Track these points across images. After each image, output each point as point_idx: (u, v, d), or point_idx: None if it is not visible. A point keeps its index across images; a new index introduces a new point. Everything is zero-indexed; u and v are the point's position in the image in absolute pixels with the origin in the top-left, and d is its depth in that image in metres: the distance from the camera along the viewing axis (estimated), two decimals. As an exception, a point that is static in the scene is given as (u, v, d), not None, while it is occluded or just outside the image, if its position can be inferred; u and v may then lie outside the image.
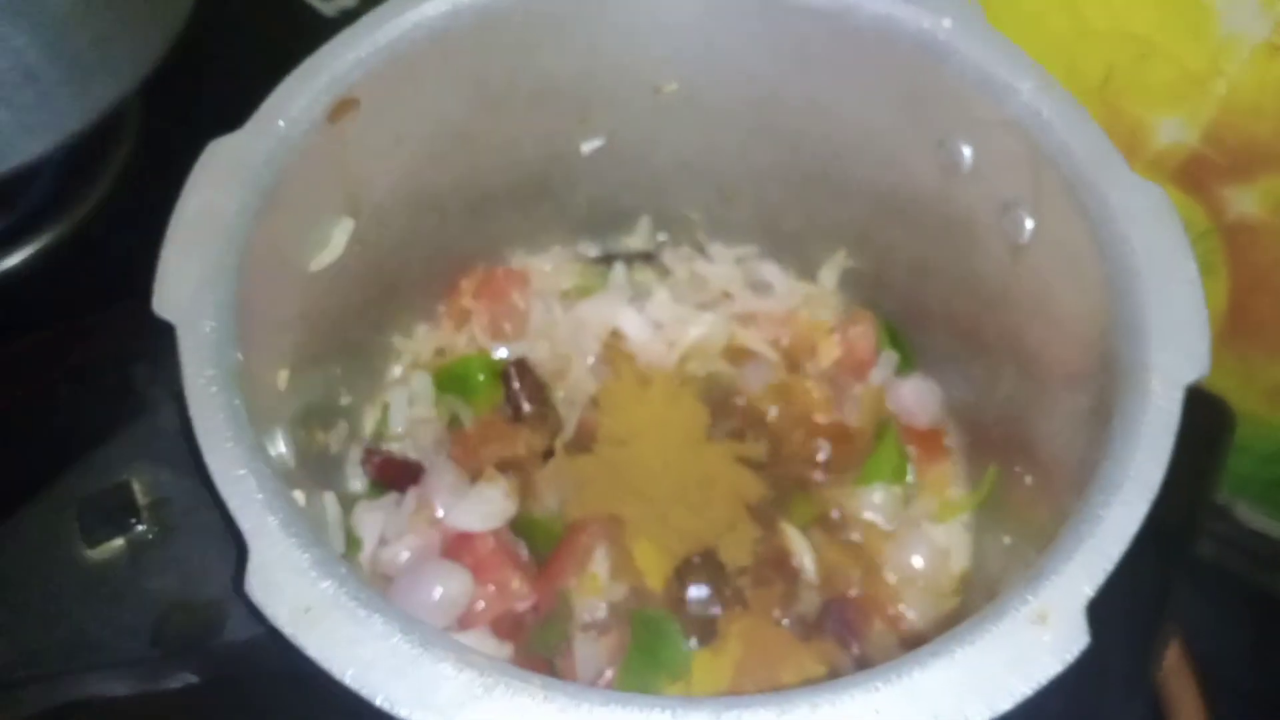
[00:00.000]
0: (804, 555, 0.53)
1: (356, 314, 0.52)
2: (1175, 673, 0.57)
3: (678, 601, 0.51)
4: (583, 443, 0.56)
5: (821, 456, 0.56)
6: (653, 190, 0.60)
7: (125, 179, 0.68)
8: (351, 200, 0.49)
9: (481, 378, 0.57)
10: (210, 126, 0.43)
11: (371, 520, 0.51)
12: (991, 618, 0.32)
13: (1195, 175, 0.62)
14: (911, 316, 0.58)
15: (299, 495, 0.40)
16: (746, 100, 0.54)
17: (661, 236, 0.62)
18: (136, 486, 0.41)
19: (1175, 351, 0.38)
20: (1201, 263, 0.40)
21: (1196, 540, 0.58)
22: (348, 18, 0.47)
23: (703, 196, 0.60)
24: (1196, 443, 0.38)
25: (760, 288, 0.61)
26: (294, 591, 0.33)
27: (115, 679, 0.40)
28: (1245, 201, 0.62)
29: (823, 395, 0.58)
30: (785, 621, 0.51)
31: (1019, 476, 0.49)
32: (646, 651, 0.50)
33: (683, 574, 0.51)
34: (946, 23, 0.47)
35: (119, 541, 0.40)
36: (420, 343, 0.59)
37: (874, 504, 0.55)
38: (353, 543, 0.51)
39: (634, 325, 0.59)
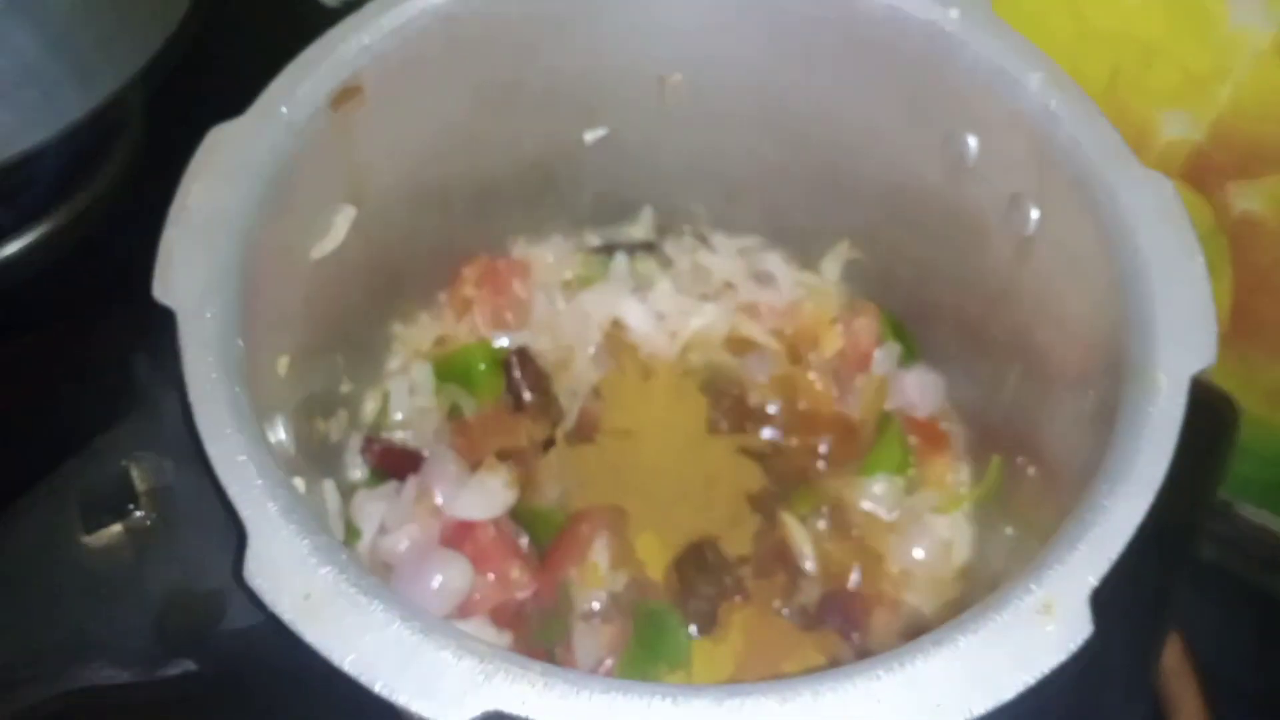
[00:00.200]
0: (805, 546, 0.53)
1: (358, 302, 0.52)
2: (1177, 674, 0.57)
3: (678, 592, 0.51)
4: (584, 433, 0.56)
5: (823, 448, 0.56)
6: (657, 186, 0.60)
7: (127, 176, 0.67)
8: (354, 188, 0.48)
9: (483, 367, 0.57)
10: (213, 123, 0.42)
11: (371, 509, 0.51)
12: (995, 607, 0.32)
13: (1200, 173, 0.62)
14: (918, 314, 0.58)
15: (299, 483, 0.39)
16: (751, 96, 0.54)
17: (664, 226, 0.62)
18: (135, 473, 0.40)
19: (1182, 345, 0.38)
20: (1206, 263, 0.40)
21: (1198, 541, 0.58)
22: (351, 12, 0.46)
23: (707, 193, 0.60)
24: (1201, 437, 0.38)
25: (763, 279, 0.61)
26: (294, 579, 0.32)
27: (115, 667, 0.40)
28: (1250, 199, 0.61)
29: (825, 386, 0.57)
30: (786, 612, 0.51)
31: (1022, 468, 0.49)
32: (647, 642, 0.49)
33: (683, 564, 0.51)
34: (954, 13, 0.46)
35: (118, 529, 0.40)
36: (422, 331, 0.59)
37: (876, 495, 0.54)
38: (352, 531, 0.51)
39: (636, 316, 0.59)
